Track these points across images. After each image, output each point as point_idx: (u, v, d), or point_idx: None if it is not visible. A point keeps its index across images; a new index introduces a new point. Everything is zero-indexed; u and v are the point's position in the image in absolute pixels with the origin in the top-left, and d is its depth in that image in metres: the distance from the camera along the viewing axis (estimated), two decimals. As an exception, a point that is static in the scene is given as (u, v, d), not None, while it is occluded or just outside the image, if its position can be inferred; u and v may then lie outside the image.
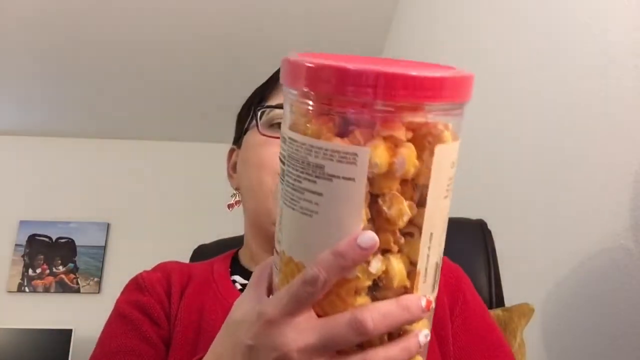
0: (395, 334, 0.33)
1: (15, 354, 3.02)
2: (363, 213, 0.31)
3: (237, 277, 0.65)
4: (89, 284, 3.45)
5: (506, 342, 0.60)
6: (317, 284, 0.31)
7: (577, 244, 0.90)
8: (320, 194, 0.31)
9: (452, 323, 0.58)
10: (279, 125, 0.63)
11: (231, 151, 0.73)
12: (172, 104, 3.23)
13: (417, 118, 0.31)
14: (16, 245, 3.45)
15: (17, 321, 3.17)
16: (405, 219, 0.32)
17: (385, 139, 0.31)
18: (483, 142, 1.28)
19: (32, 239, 3.48)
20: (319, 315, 0.33)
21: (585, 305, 0.86)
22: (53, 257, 3.48)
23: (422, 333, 0.34)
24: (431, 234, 0.33)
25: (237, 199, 0.70)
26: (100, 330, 0.60)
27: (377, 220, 0.32)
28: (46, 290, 3.41)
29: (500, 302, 0.88)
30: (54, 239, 3.51)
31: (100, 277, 3.46)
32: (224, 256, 0.70)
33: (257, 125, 0.64)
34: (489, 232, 0.92)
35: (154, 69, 2.79)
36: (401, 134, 0.31)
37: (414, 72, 0.30)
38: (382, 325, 0.31)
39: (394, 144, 0.31)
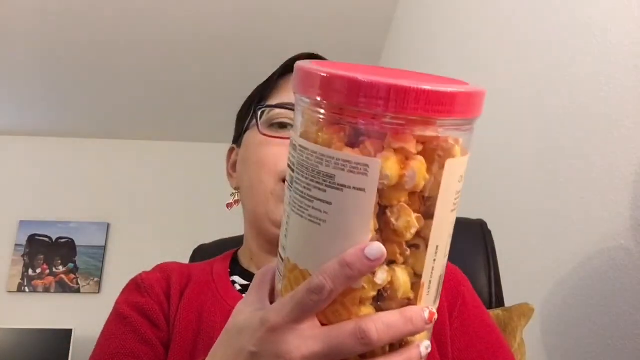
0: (396, 344, 0.34)
1: (15, 354, 3.02)
2: (371, 224, 0.31)
3: (236, 278, 0.65)
4: (89, 284, 3.45)
5: (506, 343, 0.60)
6: (323, 293, 0.31)
7: (577, 244, 0.90)
8: (329, 203, 0.31)
9: (450, 325, 0.58)
10: (279, 124, 0.63)
11: (231, 150, 0.73)
12: (172, 104, 3.23)
13: (428, 132, 0.31)
14: (16, 245, 3.45)
15: (17, 321, 3.17)
16: (413, 231, 0.32)
17: (396, 150, 0.31)
18: (483, 142, 1.28)
19: (32, 239, 3.48)
20: (322, 324, 0.33)
21: (585, 305, 0.86)
22: (53, 257, 3.48)
23: (424, 344, 0.34)
24: (437, 246, 0.33)
25: (237, 198, 0.70)
26: (100, 330, 0.60)
27: (385, 231, 0.32)
28: (46, 290, 3.41)
29: (500, 302, 0.88)
30: (54, 239, 3.51)
31: (100, 277, 3.46)
32: (223, 256, 0.70)
33: (257, 125, 0.64)
34: (489, 232, 0.92)
35: (154, 69, 2.79)
36: (412, 146, 0.31)
37: (426, 87, 0.29)
38: (386, 336, 0.31)
39: (404, 156, 0.31)
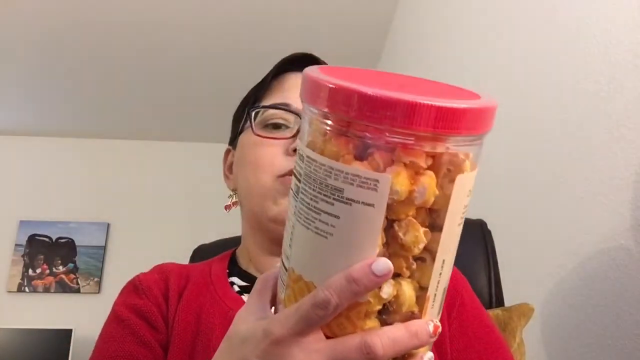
0: (399, 356, 0.33)
1: (15, 354, 3.02)
2: (379, 239, 0.31)
3: (235, 279, 0.65)
4: (89, 284, 3.45)
5: (505, 343, 0.60)
6: (328, 308, 0.31)
7: (577, 244, 0.90)
8: (337, 217, 0.31)
9: (449, 326, 0.58)
10: (273, 125, 0.63)
11: (227, 152, 0.73)
12: (173, 104, 3.23)
13: (438, 148, 0.31)
14: (16, 245, 3.45)
15: (17, 321, 3.17)
16: (421, 246, 0.31)
17: (406, 165, 0.30)
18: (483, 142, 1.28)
19: (32, 239, 3.48)
20: (326, 336, 0.33)
21: (585, 305, 0.86)
22: (53, 257, 3.48)
23: (427, 356, 0.34)
24: (443, 260, 0.33)
25: (234, 199, 0.70)
26: (100, 330, 0.60)
27: (392, 245, 0.32)
28: (46, 290, 3.41)
29: (500, 302, 0.88)
30: (54, 239, 3.51)
31: (100, 277, 3.46)
32: (221, 256, 0.70)
33: (252, 126, 0.64)
34: (489, 232, 0.92)
35: (154, 69, 2.79)
36: (422, 160, 0.30)
37: (436, 103, 0.29)
38: (391, 350, 0.31)
39: (414, 171, 0.30)
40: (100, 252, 3.51)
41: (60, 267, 3.47)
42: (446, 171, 0.31)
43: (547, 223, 1.01)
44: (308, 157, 0.32)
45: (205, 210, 2.90)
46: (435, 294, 0.33)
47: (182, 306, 0.60)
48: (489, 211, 0.98)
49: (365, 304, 0.32)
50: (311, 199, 0.32)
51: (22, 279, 3.39)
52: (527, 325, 0.83)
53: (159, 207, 3.60)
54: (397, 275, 0.32)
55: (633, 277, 0.76)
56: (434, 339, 0.33)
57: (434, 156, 0.31)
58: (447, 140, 0.30)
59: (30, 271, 3.42)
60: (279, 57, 0.69)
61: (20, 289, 3.37)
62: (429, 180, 0.31)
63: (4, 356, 3.00)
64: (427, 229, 0.32)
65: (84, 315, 3.17)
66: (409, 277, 0.33)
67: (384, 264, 0.31)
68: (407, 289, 0.32)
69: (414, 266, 0.32)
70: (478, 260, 0.88)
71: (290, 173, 0.60)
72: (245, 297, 0.62)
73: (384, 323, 0.33)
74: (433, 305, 0.34)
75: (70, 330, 3.10)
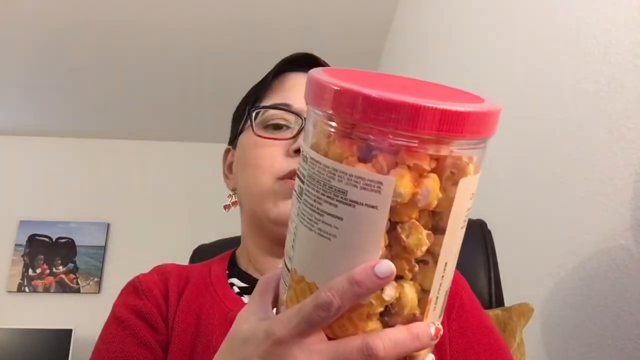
0: (400, 359, 0.33)
1: (15, 354, 3.02)
2: (382, 241, 0.31)
3: (234, 280, 0.65)
4: (89, 284, 3.45)
5: (505, 344, 0.60)
6: (330, 310, 0.31)
7: (577, 244, 0.90)
8: (340, 219, 0.31)
9: (449, 327, 0.58)
10: (274, 126, 0.63)
11: (227, 152, 0.73)
12: (173, 104, 3.23)
13: (442, 151, 0.31)
14: (16, 245, 3.45)
15: (17, 321, 3.17)
16: (424, 249, 0.32)
17: (410, 167, 0.30)
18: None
19: (32, 239, 3.48)
20: (328, 337, 0.33)
21: (585, 305, 0.86)
22: (53, 257, 3.48)
23: (428, 358, 0.34)
24: (446, 263, 0.33)
25: (234, 199, 0.70)
26: (100, 330, 0.60)
27: (394, 247, 0.32)
28: (46, 290, 3.41)
29: (500, 302, 0.88)
30: (54, 239, 3.51)
31: (100, 277, 3.46)
32: (221, 257, 0.70)
33: (252, 126, 0.63)
34: (489, 232, 0.92)
35: (154, 69, 2.79)
36: (426, 163, 0.30)
37: (440, 106, 0.29)
38: (392, 352, 0.31)
39: (418, 174, 0.31)
40: (100, 252, 3.51)
41: (60, 267, 3.47)
42: (450, 174, 0.31)
43: (547, 223, 1.01)
44: (312, 158, 0.32)
45: (205, 210, 2.90)
46: (437, 297, 0.33)
47: (182, 307, 0.60)
48: (489, 211, 0.98)
49: (367, 305, 0.32)
50: (314, 201, 0.32)
51: (22, 279, 3.39)
52: (527, 325, 0.83)
53: (159, 207, 3.60)
54: (399, 278, 0.32)
55: (633, 277, 0.76)
56: (435, 342, 0.33)
57: (437, 159, 0.31)
58: (451, 144, 0.31)
59: (30, 271, 3.42)
60: (278, 57, 0.69)
61: (20, 289, 3.37)
62: (432, 183, 0.31)
63: (4, 356, 3.00)
64: (429, 232, 0.32)
65: (84, 315, 3.18)
66: (411, 280, 0.33)
67: (387, 267, 0.31)
68: (409, 292, 0.32)
69: (417, 269, 0.32)
70: (478, 260, 0.88)
71: (290, 174, 0.60)
72: (245, 298, 0.62)
73: (385, 325, 0.33)
74: (435, 307, 0.34)
75: (70, 330, 3.10)
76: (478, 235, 0.90)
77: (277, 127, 0.63)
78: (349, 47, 2.48)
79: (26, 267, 3.42)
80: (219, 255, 0.71)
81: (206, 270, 0.66)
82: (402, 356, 0.33)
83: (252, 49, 2.53)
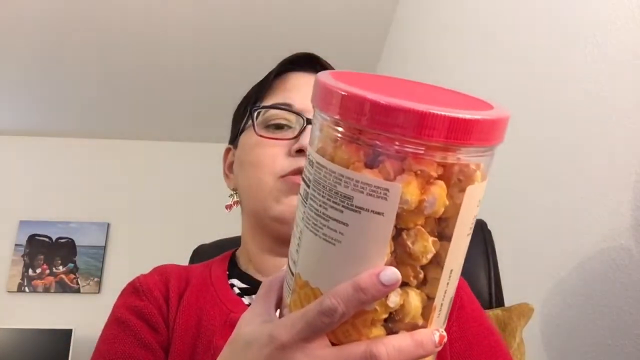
0: None
1: (15, 354, 3.02)
2: (388, 247, 0.31)
3: (235, 281, 0.65)
4: (89, 284, 3.45)
5: (505, 345, 0.60)
6: (335, 316, 0.31)
7: (577, 244, 0.90)
8: (345, 225, 0.31)
9: (448, 329, 0.57)
10: (275, 125, 0.63)
11: (227, 151, 0.73)
12: (172, 104, 3.23)
13: (449, 158, 0.30)
14: (16, 245, 3.45)
15: (17, 321, 3.17)
16: (429, 256, 0.31)
17: (416, 174, 0.30)
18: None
19: (32, 239, 3.48)
20: (331, 343, 0.33)
21: (585, 305, 0.86)
22: (53, 257, 3.48)
23: None
24: (451, 270, 0.33)
25: (235, 199, 0.70)
26: (100, 330, 0.60)
27: (400, 253, 0.32)
28: (46, 290, 3.41)
29: (500, 302, 0.88)
30: (54, 239, 3.51)
31: (100, 277, 3.46)
32: (221, 257, 0.70)
33: (254, 126, 0.63)
34: (489, 232, 0.92)
35: (154, 69, 2.79)
36: (433, 170, 0.30)
37: (448, 113, 0.28)
38: (396, 359, 0.31)
39: (425, 180, 0.30)
40: (100, 252, 3.51)
41: (60, 267, 3.47)
42: (457, 181, 0.31)
43: (547, 223, 1.01)
44: (318, 163, 0.32)
45: (205, 210, 2.90)
46: (442, 304, 0.33)
47: (183, 308, 0.60)
48: (489, 211, 0.98)
49: (371, 312, 0.32)
50: (320, 206, 0.32)
51: (22, 279, 3.39)
52: (527, 325, 0.83)
53: (159, 207, 3.60)
54: (404, 284, 0.32)
55: (633, 277, 0.76)
56: (439, 349, 0.33)
57: (444, 165, 0.31)
58: (458, 151, 0.30)
59: (30, 271, 3.42)
60: (280, 55, 0.68)
61: (20, 289, 3.37)
62: (439, 190, 0.30)
63: (4, 356, 3.00)
64: (435, 239, 0.31)
65: (84, 315, 3.17)
66: (416, 286, 0.32)
67: (392, 274, 0.30)
68: (414, 300, 0.32)
69: (422, 275, 0.32)
70: (478, 261, 0.88)
71: (291, 173, 0.60)
72: (245, 299, 0.62)
73: (389, 331, 0.33)
74: (439, 314, 0.33)
75: (70, 330, 3.10)
76: (478, 235, 0.90)
77: (279, 127, 0.63)
78: (350, 44, 2.48)
79: (26, 267, 3.42)
80: (218, 255, 0.71)
81: (206, 271, 0.66)
82: None
83: (252, 49, 2.53)
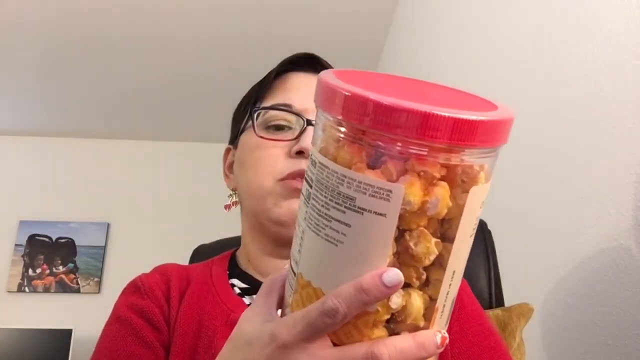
0: None
1: (15, 354, 3.02)
2: (390, 249, 0.31)
3: (235, 281, 0.65)
4: (89, 284, 3.45)
5: (504, 346, 0.60)
6: (337, 317, 0.31)
7: (577, 244, 0.90)
8: (348, 225, 0.31)
9: (449, 329, 0.57)
10: (275, 126, 0.63)
11: (227, 151, 0.73)
12: (172, 104, 3.23)
13: (452, 159, 0.30)
14: (16, 245, 3.45)
15: (17, 321, 3.17)
16: (432, 258, 0.31)
17: (419, 175, 0.30)
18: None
19: (32, 239, 3.48)
20: (333, 343, 0.33)
21: (585, 305, 0.86)
22: (53, 257, 3.48)
23: None
24: (454, 271, 0.33)
25: (234, 199, 0.70)
26: (100, 330, 0.60)
27: (402, 254, 0.31)
28: (46, 290, 3.41)
29: (500, 302, 0.88)
30: (54, 239, 3.51)
31: (100, 277, 3.46)
32: (221, 257, 0.70)
33: (254, 127, 0.63)
34: (489, 232, 0.92)
35: (154, 69, 2.79)
36: (436, 170, 0.30)
37: (452, 114, 0.28)
38: None
39: (427, 181, 0.30)
40: (100, 252, 3.51)
41: (60, 267, 3.47)
42: (460, 182, 0.31)
43: (547, 223, 1.01)
44: (320, 163, 0.32)
45: (205, 210, 2.90)
46: (444, 305, 0.33)
47: (184, 308, 0.60)
48: (489, 211, 0.98)
49: (373, 313, 0.31)
50: (322, 206, 0.32)
51: (22, 279, 3.39)
52: (527, 325, 0.83)
53: (159, 207, 3.60)
54: (406, 285, 0.32)
55: (633, 277, 0.76)
56: (440, 350, 0.33)
57: (448, 166, 0.30)
58: (462, 152, 0.30)
59: (30, 271, 3.42)
60: (280, 55, 0.68)
61: (20, 289, 3.37)
62: (442, 191, 0.30)
63: (4, 356, 3.00)
64: (438, 240, 0.31)
65: (84, 315, 3.17)
66: (419, 288, 0.32)
67: (395, 275, 0.30)
68: (416, 300, 0.32)
69: (424, 276, 0.32)
70: (478, 260, 0.88)
71: (291, 175, 0.60)
72: (246, 299, 0.62)
73: (391, 332, 0.32)
74: (441, 316, 0.33)
75: (70, 330, 3.10)
76: (478, 235, 0.90)
77: (279, 128, 0.63)
78: (350, 43, 2.48)
79: (26, 267, 3.42)
80: (218, 255, 0.71)
81: (207, 271, 0.66)
82: None
83: (252, 48, 2.53)
